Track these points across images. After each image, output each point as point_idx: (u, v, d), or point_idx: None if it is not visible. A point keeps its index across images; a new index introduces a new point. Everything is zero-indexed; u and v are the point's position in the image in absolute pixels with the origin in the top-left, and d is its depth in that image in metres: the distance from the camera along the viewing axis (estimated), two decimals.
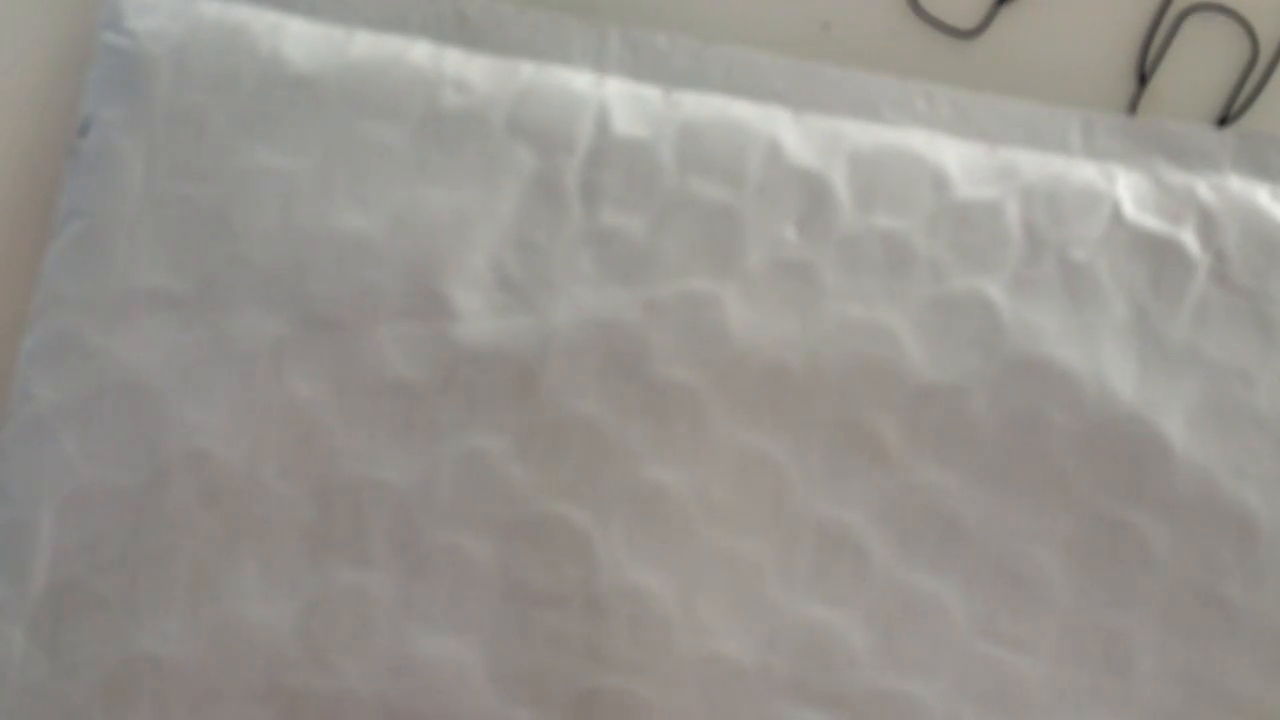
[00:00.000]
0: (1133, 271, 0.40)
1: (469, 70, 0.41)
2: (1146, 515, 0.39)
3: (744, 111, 0.41)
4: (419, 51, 0.41)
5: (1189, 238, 0.40)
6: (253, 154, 0.40)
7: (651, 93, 0.41)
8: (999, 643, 0.38)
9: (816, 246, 0.39)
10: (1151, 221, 0.40)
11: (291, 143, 0.40)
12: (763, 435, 0.39)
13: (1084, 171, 0.41)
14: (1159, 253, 0.40)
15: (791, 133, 0.41)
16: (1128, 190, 0.41)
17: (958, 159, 0.41)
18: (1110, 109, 0.43)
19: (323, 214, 0.39)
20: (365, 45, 0.41)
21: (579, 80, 0.41)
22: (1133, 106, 0.43)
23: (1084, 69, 0.43)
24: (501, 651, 0.38)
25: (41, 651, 0.38)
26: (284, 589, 0.38)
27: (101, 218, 0.40)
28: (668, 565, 0.38)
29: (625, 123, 0.40)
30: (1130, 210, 0.40)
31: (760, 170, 0.40)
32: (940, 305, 0.39)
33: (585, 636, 0.38)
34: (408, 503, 0.38)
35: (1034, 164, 0.41)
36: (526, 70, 0.41)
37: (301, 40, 0.41)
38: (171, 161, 0.40)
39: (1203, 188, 0.41)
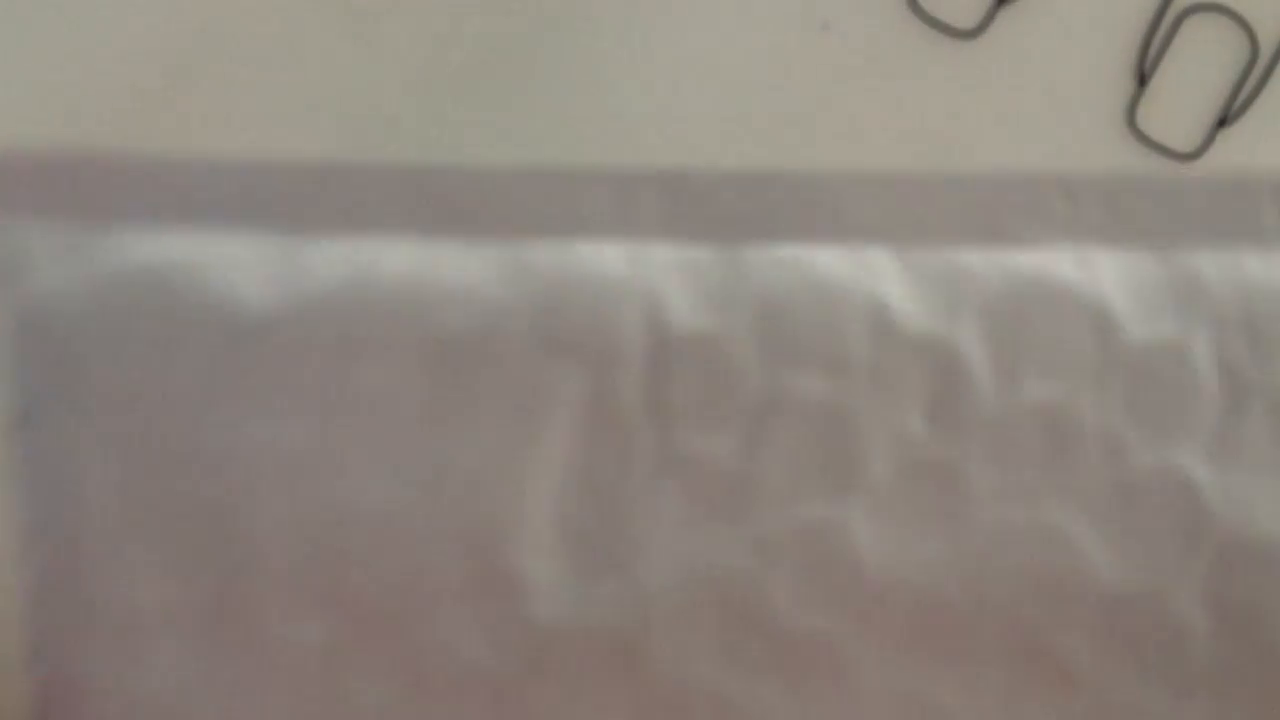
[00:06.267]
0: None
1: (467, 269, 0.32)
2: None
3: (831, 262, 0.33)
4: (398, 256, 0.32)
5: None
6: (239, 429, 0.32)
7: (706, 256, 0.33)
8: None
9: (954, 438, 0.32)
10: None
11: (279, 408, 0.32)
12: (922, 677, 0.32)
13: None
14: None
15: (898, 285, 0.33)
16: None
17: (1121, 281, 0.33)
18: (1110, 109, 0.43)
19: (338, 489, 0.32)
20: (328, 261, 0.33)
21: (610, 257, 0.33)
22: (1132, 107, 0.43)
23: (1084, 69, 0.43)
24: None
25: None
26: None
27: (72, 534, 0.32)
28: None
29: (684, 311, 0.32)
30: None
31: (867, 346, 0.32)
32: (1122, 491, 0.32)
33: None
34: None
35: (1221, 272, 0.33)
36: (541, 257, 0.32)
37: (250, 268, 0.32)
38: (137, 452, 0.32)
39: None
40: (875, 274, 0.33)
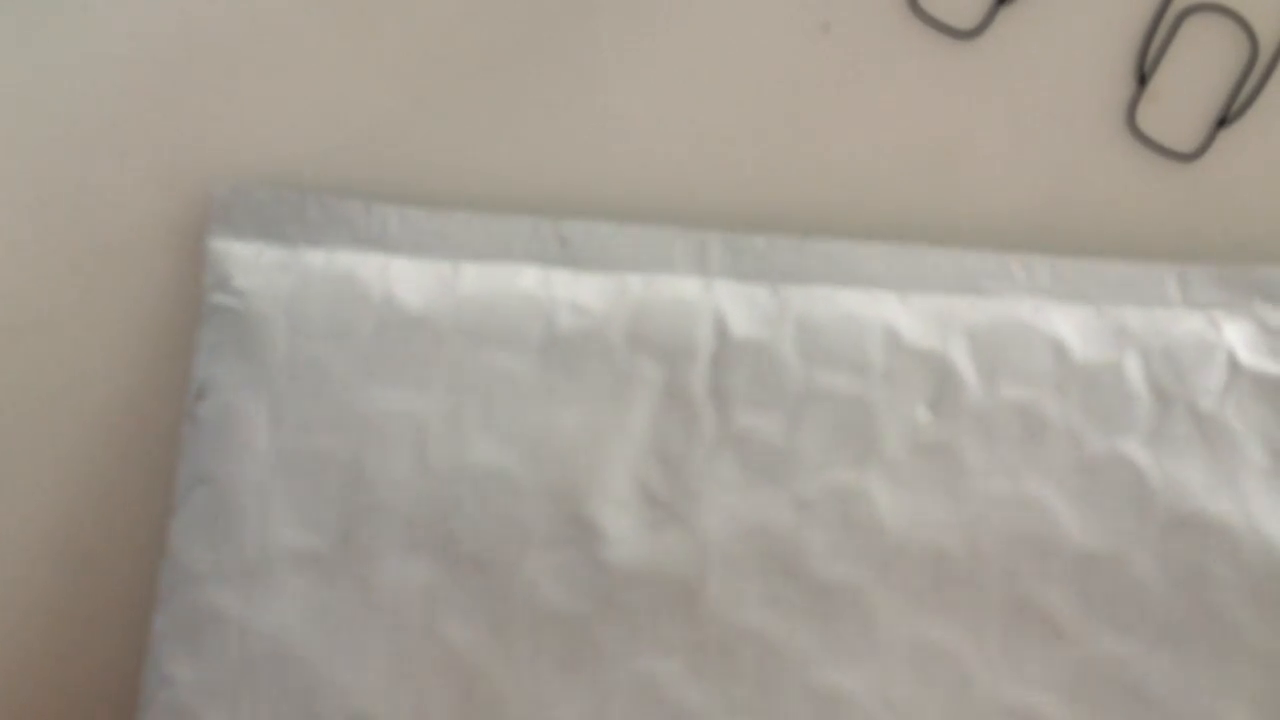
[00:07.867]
0: (1260, 415, 0.40)
1: (580, 291, 0.41)
2: None
3: (852, 299, 0.41)
4: (528, 278, 0.41)
5: None
6: (379, 398, 0.39)
7: (759, 291, 0.41)
8: None
9: (951, 425, 0.40)
10: (1267, 364, 0.40)
11: (416, 382, 0.39)
12: (934, 624, 0.38)
13: (1190, 323, 0.41)
14: None
15: (903, 315, 0.41)
16: (1236, 336, 0.41)
17: (1068, 323, 0.41)
18: (1110, 109, 0.43)
19: (457, 450, 0.39)
20: (474, 278, 0.41)
21: (688, 287, 0.41)
22: (1132, 107, 0.43)
23: (1084, 69, 0.43)
24: None
25: None
26: None
27: (228, 481, 0.39)
28: None
29: (742, 324, 0.40)
30: (1244, 356, 0.41)
31: (882, 356, 0.40)
32: (1084, 470, 0.39)
33: None
34: None
35: (1141, 320, 0.41)
36: (636, 284, 0.41)
37: (411, 279, 0.40)
38: (296, 415, 0.39)
39: None
40: (885, 307, 0.41)
